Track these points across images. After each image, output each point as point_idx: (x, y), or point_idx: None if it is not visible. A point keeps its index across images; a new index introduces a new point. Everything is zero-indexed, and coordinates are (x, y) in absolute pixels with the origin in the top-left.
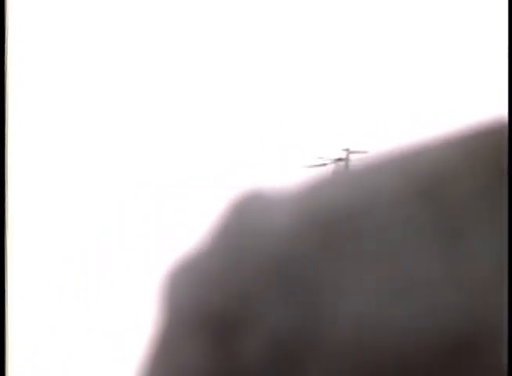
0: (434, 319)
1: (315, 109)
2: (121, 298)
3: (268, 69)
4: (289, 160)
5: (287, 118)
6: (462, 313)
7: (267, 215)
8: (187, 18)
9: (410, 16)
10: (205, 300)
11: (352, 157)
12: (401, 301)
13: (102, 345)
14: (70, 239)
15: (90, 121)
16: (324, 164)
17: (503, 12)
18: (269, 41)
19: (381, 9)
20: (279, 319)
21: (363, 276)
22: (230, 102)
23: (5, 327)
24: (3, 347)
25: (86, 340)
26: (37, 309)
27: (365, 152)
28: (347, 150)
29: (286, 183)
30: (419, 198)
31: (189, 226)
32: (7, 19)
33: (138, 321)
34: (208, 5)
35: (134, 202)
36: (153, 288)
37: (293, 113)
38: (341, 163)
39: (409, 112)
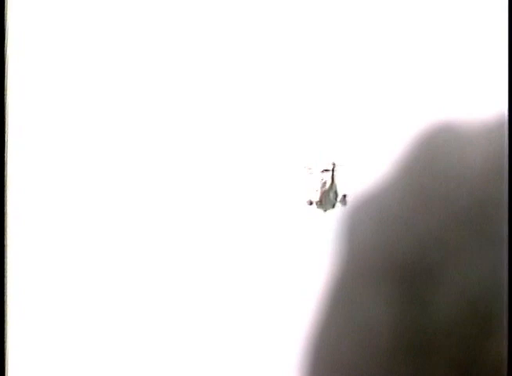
0: None
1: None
2: (122, 295)
3: (260, 75)
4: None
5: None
6: None
7: (462, 151)
8: (188, 18)
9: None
10: (390, 243)
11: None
12: None
13: (102, 343)
14: (70, 236)
15: (89, 120)
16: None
17: (503, 13)
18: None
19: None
20: (473, 272)
21: None
22: (228, 102)
23: (5, 324)
24: (3, 346)
25: (86, 337)
26: (37, 306)
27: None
28: (333, 163)
29: (482, 116)
30: None
31: (188, 224)
32: (7, 19)
33: (138, 319)
34: (208, 5)
35: (133, 199)
36: (154, 286)
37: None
38: (328, 173)
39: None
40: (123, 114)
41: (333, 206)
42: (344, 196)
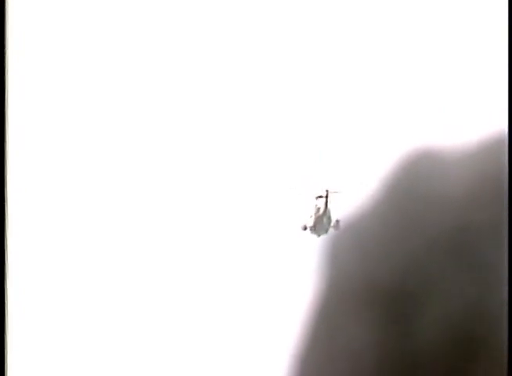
0: None
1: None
2: (122, 295)
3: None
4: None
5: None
6: None
7: (441, 177)
8: (188, 20)
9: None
10: (372, 270)
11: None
12: None
13: (100, 341)
14: (70, 236)
15: (89, 120)
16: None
17: (503, 15)
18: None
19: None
20: (455, 296)
21: None
22: (224, 126)
23: (5, 325)
24: (3, 346)
25: (86, 339)
26: (37, 307)
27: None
28: (326, 190)
29: (463, 142)
30: None
31: (188, 225)
32: (7, 19)
33: (138, 320)
34: (209, 5)
35: (133, 200)
36: (154, 287)
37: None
38: (322, 200)
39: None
40: (121, 115)
41: (327, 231)
42: (337, 221)
